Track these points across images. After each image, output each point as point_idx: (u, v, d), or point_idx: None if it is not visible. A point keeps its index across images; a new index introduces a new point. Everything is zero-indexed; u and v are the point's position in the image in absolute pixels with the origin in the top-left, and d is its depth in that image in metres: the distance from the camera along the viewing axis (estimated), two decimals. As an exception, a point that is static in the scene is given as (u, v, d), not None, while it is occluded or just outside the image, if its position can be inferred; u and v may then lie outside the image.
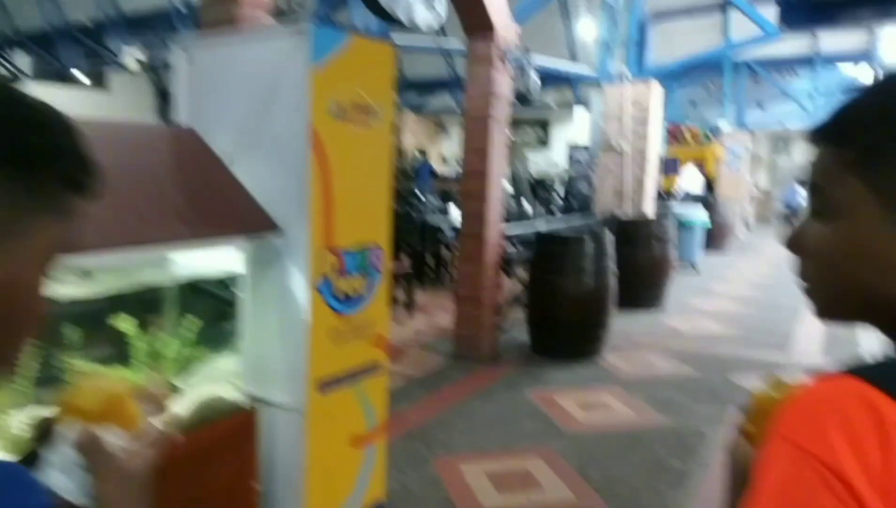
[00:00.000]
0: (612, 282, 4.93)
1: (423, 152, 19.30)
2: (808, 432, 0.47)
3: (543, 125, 18.13)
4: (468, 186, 4.68)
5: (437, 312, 6.09)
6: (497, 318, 4.88)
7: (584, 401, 3.99)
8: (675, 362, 4.82)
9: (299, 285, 2.06)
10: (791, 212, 16.92)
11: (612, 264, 4.95)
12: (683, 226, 8.91)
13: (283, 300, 2.09)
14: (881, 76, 0.59)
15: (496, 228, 4.73)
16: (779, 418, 0.50)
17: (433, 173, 16.80)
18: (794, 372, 4.55)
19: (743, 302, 7.12)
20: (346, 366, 2.20)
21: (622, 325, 5.84)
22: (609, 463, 3.17)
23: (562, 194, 11.62)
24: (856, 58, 11.38)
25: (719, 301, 7.15)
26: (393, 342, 5.30)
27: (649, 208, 7.32)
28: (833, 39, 10.82)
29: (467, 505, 2.77)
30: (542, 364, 4.69)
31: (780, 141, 21.04)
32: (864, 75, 14.10)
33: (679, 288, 7.60)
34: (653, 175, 7.31)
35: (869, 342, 5.29)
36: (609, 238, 4.94)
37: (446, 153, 19.51)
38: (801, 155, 21.03)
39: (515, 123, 18.85)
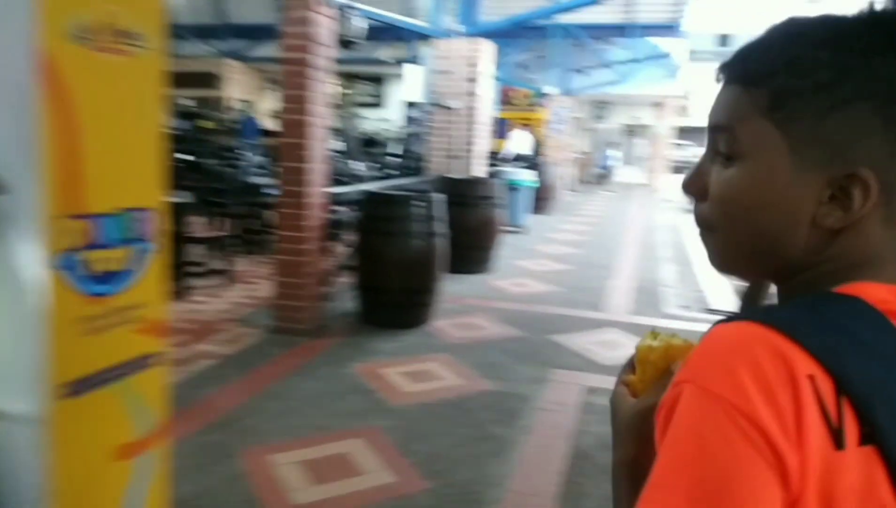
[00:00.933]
0: (442, 245, 4.79)
1: (247, 106, 18.00)
2: (718, 376, 0.46)
3: (377, 81, 17.67)
4: (287, 140, 4.22)
5: (260, 281, 5.59)
6: (322, 287, 4.53)
7: (411, 372, 3.82)
8: (502, 324, 4.82)
9: (32, 264, 1.57)
10: (604, 173, 18.33)
11: (442, 227, 4.80)
12: (512, 187, 9.10)
13: (11, 284, 1.59)
14: (784, 20, 0.55)
15: (320, 188, 4.34)
16: (687, 364, 0.49)
17: (259, 129, 15.72)
18: (612, 329, 4.76)
19: (565, 261, 7.42)
20: (106, 362, 1.76)
21: (452, 289, 5.78)
22: (433, 438, 3.01)
23: (398, 153, 11.38)
24: (663, 28, 12.25)
25: (544, 261, 7.38)
26: (206, 317, 4.77)
27: (480, 169, 7.30)
28: (647, 10, 11.52)
29: (273, 503, 2.46)
30: (369, 335, 4.45)
31: (599, 107, 22.52)
32: (671, 45, 15.33)
33: (508, 249, 7.76)
34: (484, 136, 7.28)
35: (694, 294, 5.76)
36: (439, 200, 4.76)
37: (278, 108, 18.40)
38: (616, 121, 22.72)
39: (348, 78, 18.25)
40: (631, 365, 0.69)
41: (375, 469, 2.73)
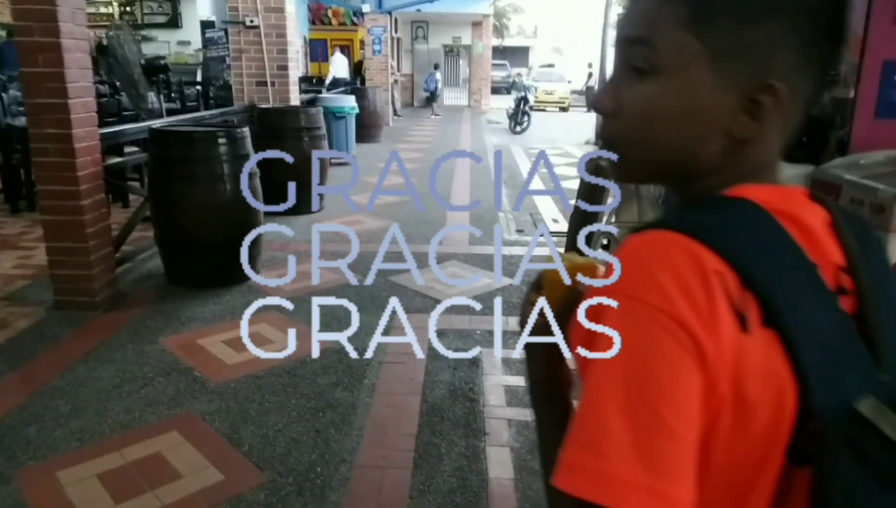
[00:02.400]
0: (257, 186, 4.20)
1: (10, 32, 15.04)
2: (640, 282, 0.49)
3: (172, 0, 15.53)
4: (30, 67, 3.31)
5: (38, 246, 4.60)
6: (111, 248, 3.77)
7: (234, 339, 3.31)
8: (335, 271, 4.40)
9: None
10: (431, 95, 18.05)
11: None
12: (334, 116, 8.48)
13: None
14: None
15: (88, 128, 3.51)
16: (608, 275, 0.51)
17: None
18: (453, 262, 4.56)
19: (398, 192, 7.10)
20: None
21: (276, 235, 5.23)
22: (265, 417, 2.60)
23: (197, 81, 10.11)
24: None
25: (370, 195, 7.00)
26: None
27: (295, 97, 6.61)
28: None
29: (62, 543, 1.94)
30: (180, 299, 3.82)
31: (419, 27, 21.95)
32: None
33: (336, 184, 7.26)
34: (295, 58, 6.55)
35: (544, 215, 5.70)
36: (245, 134, 4.12)
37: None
38: (437, 42, 22.37)
39: (134, -4, 15.82)
40: (537, 287, 0.73)
41: (197, 467, 2.28)
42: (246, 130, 4.13)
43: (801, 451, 0.49)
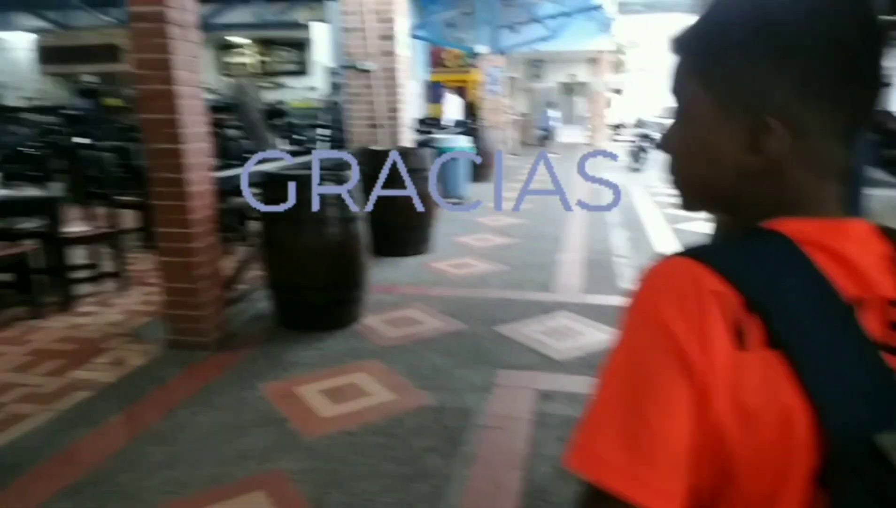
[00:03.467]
0: (363, 229, 4.14)
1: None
2: (645, 299, 0.57)
3: (299, 47, 16.55)
4: (149, 114, 3.45)
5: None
6: (223, 289, 3.83)
7: (333, 388, 3.20)
8: (440, 316, 4.24)
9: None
10: (546, 134, 17.86)
11: (360, 209, 4.14)
12: (447, 155, 8.47)
13: None
14: None
15: (203, 171, 3.60)
16: (631, 292, 0.59)
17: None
18: (564, 313, 4.24)
19: (509, 234, 6.89)
20: None
21: (384, 276, 5.17)
22: (355, 482, 2.42)
23: (325, 124, 10.54)
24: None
25: (487, 236, 6.83)
26: (89, 332, 4.00)
27: (406, 138, 6.63)
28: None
29: None
30: (285, 342, 3.80)
31: (534, 65, 21.96)
32: None
33: (447, 225, 7.17)
34: (408, 100, 6.60)
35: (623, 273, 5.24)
36: (354, 176, 4.09)
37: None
38: (553, 79, 22.23)
39: (266, 44, 17.05)
40: None
41: (279, 536, 2.13)
42: (352, 172, 4.10)
43: (825, 475, 0.52)
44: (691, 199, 0.67)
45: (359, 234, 4.10)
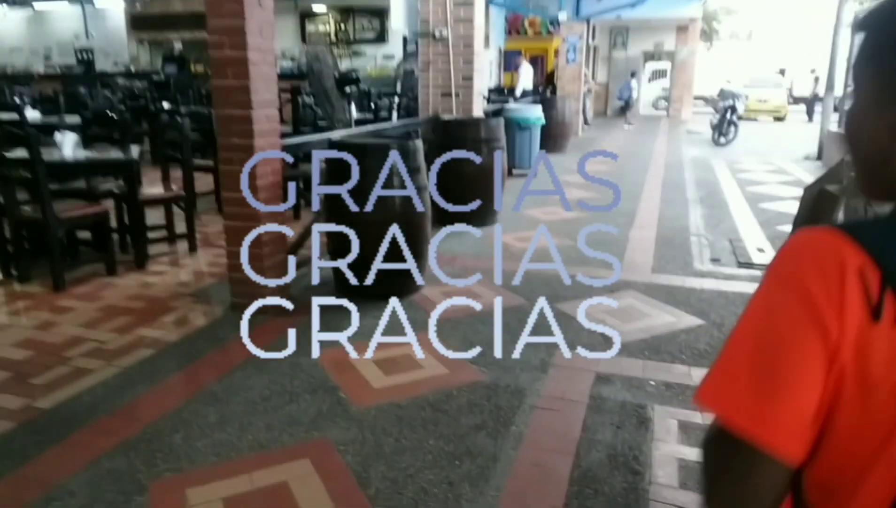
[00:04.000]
0: (426, 200, 4.06)
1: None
2: (790, 265, 0.61)
3: (380, 15, 16.49)
4: (220, 80, 3.47)
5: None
6: (284, 255, 3.86)
7: (387, 358, 3.17)
8: (502, 291, 4.13)
9: None
10: (626, 105, 17.14)
11: (425, 178, 4.06)
12: (519, 126, 8.25)
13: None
14: None
15: (270, 138, 3.61)
16: (774, 258, 0.63)
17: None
18: (631, 292, 4.04)
19: (579, 208, 6.65)
20: None
21: (449, 247, 5.10)
22: (400, 455, 2.38)
23: (397, 93, 10.48)
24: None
25: (555, 209, 6.62)
26: (158, 292, 4.14)
27: (479, 108, 6.47)
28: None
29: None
30: (345, 310, 3.78)
31: (618, 34, 21.06)
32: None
33: (514, 196, 7.00)
34: (481, 68, 6.42)
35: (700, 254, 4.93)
36: (418, 146, 4.00)
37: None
38: (637, 48, 21.27)
39: (345, 12, 17.09)
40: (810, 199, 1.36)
41: (319, 506, 2.12)
42: (418, 142, 4.02)
43: None
44: (863, 183, 0.67)
45: (425, 204, 4.02)
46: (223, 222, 3.72)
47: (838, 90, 10.71)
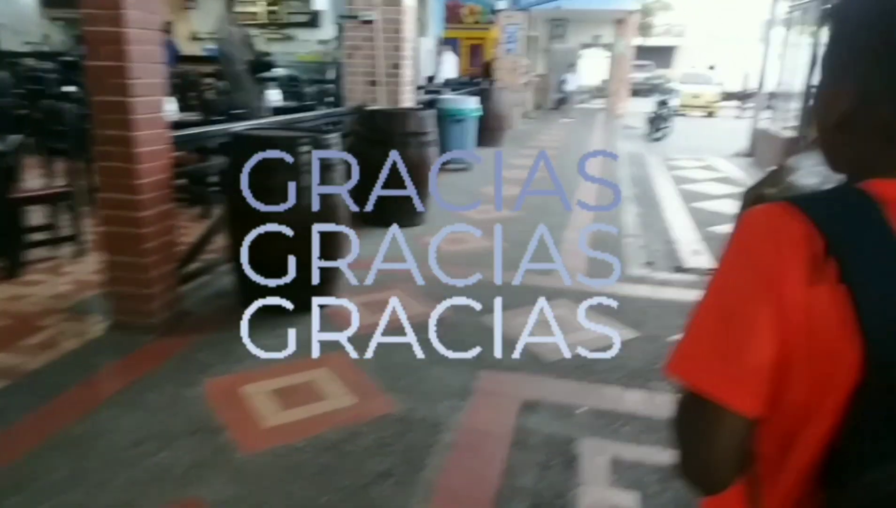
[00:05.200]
0: (344, 200, 3.67)
1: (166, 29, 16.06)
2: (746, 235, 0.67)
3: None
4: (95, 60, 2.97)
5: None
6: (175, 264, 3.39)
7: (286, 387, 2.78)
8: (424, 300, 3.79)
9: None
10: (563, 97, 17.10)
11: (342, 175, 3.66)
12: (454, 119, 7.91)
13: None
14: None
15: (155, 130, 3.13)
16: (732, 231, 0.69)
17: (178, 55, 14.01)
18: (562, 301, 3.76)
19: (513, 206, 6.37)
20: None
21: (370, 250, 4.71)
22: (288, 516, 2.01)
23: (329, 80, 9.98)
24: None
25: (488, 207, 6.32)
26: (30, 306, 3.56)
27: (409, 98, 6.09)
28: None
29: None
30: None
31: (557, 25, 20.99)
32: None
33: (446, 193, 6.66)
34: (411, 55, 6.03)
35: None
36: (334, 140, 3.59)
37: (201, 30, 16.47)
38: (575, 40, 21.27)
39: (274, -6, 16.26)
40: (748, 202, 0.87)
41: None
42: (334, 136, 3.61)
43: (861, 392, 0.61)
44: (825, 154, 0.75)
45: (340, 204, 3.63)
46: (102, 226, 3.22)
47: (769, 87, 10.85)
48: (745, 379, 0.63)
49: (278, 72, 13.80)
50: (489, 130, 10.17)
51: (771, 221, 0.65)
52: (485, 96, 9.94)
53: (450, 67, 11.85)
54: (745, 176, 8.82)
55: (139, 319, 3.23)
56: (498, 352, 3.14)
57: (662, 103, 12.96)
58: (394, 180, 5.28)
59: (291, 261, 3.43)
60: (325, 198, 3.50)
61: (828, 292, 0.61)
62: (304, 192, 3.40)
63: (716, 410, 0.64)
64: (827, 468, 0.64)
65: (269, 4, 16.32)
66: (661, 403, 2.70)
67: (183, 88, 9.75)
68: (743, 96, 19.63)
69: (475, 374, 2.93)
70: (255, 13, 16.54)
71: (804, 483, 0.66)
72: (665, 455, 2.28)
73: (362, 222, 5.42)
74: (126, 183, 3.04)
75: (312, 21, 16.15)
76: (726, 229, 0.76)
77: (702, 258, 4.83)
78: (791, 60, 9.63)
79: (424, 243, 4.97)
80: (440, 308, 3.65)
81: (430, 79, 11.12)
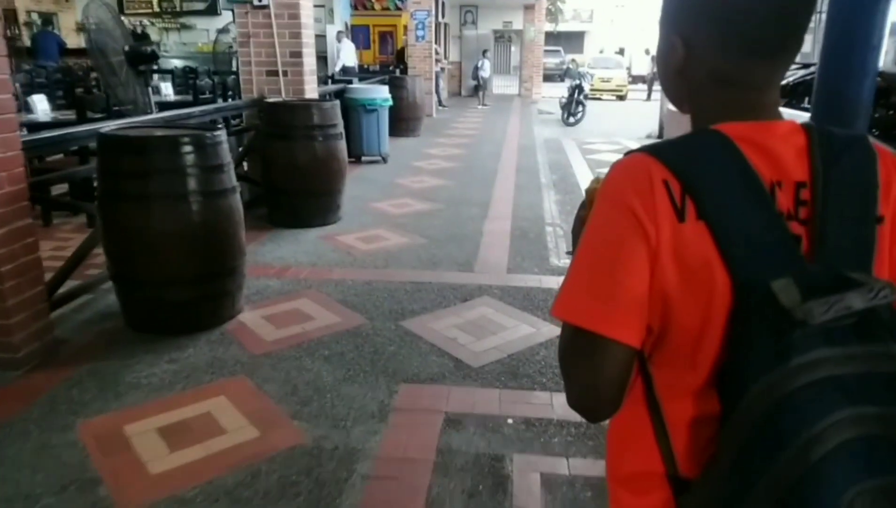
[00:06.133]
0: (237, 205, 3.31)
1: (47, 21, 14.81)
2: (610, 185, 0.73)
3: (208, -15, 14.87)
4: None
5: None
6: (41, 287, 2.94)
7: (177, 423, 2.42)
8: (337, 308, 3.49)
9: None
10: (478, 84, 16.98)
11: (231, 177, 3.29)
12: (365, 109, 7.57)
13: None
14: None
15: (7, 131, 2.66)
16: (601, 182, 0.75)
17: (62, 48, 12.92)
18: (485, 299, 3.55)
19: (431, 198, 6.13)
20: None
21: (277, 255, 4.36)
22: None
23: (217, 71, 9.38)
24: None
25: (406, 200, 6.05)
26: None
27: (312, 88, 5.71)
28: None
29: None
30: (131, 352, 2.96)
31: (467, 11, 20.86)
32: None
33: (361, 187, 6.35)
34: (311, 44, 5.65)
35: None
36: (220, 138, 3.22)
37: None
38: (487, 27, 21.21)
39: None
40: (589, 202, 0.93)
41: None
42: (221, 133, 3.23)
43: (736, 314, 0.68)
44: (666, 93, 0.84)
45: (232, 210, 3.26)
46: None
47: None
48: (621, 313, 0.69)
49: (174, 63, 12.97)
50: (404, 119, 9.89)
51: (633, 169, 0.71)
52: (398, 85, 9.64)
53: (347, 54, 11.36)
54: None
55: (0, 353, 2.77)
56: (417, 361, 2.90)
57: (576, 88, 13.05)
58: (301, 177, 4.94)
59: (183, 274, 3.06)
60: (214, 202, 3.14)
61: (690, 229, 0.67)
62: (187, 197, 3.02)
63: (598, 342, 0.69)
64: (720, 387, 0.69)
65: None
66: (591, 406, 2.54)
67: (67, 83, 8.92)
68: (650, 79, 20.17)
69: (393, 389, 2.68)
70: (148, 1, 15.49)
71: (701, 399, 0.71)
72: (600, 467, 2.11)
73: (270, 223, 5.06)
74: (-32, 196, 2.58)
75: (211, 9, 15.28)
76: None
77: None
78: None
79: (337, 244, 4.65)
80: (354, 316, 3.37)
81: (344, 69, 10.68)
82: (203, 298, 3.19)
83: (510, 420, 2.46)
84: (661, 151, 0.71)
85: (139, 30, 13.43)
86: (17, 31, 13.96)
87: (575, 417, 2.46)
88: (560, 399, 2.60)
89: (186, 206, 3.04)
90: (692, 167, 0.69)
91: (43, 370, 2.80)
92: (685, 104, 0.80)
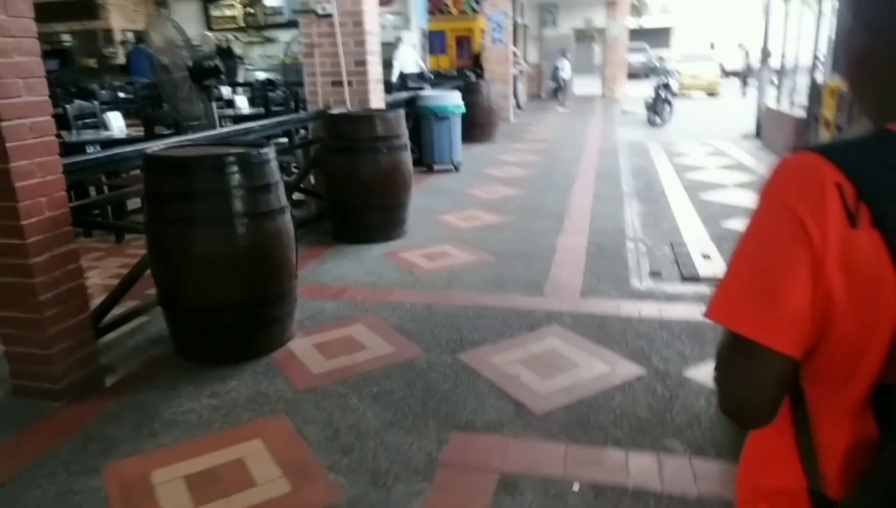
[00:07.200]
0: (287, 226, 3.11)
1: (141, 39, 15.52)
2: (776, 186, 0.69)
3: (289, -1, 15.21)
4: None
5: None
6: (86, 314, 2.84)
7: (206, 471, 2.22)
8: (392, 336, 3.23)
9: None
10: (559, 86, 16.45)
11: (281, 197, 3.10)
12: (436, 116, 7.33)
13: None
14: None
15: (39, 159, 2.56)
16: (764, 181, 0.71)
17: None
18: (554, 329, 3.18)
19: (503, 210, 5.78)
20: None
21: (336, 274, 4.17)
22: None
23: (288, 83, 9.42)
24: None
25: (476, 212, 5.74)
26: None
27: (378, 98, 5.51)
28: None
29: None
30: (175, 383, 2.82)
31: (547, 11, 20.33)
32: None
33: (429, 200, 6.10)
34: (377, 50, 5.45)
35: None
36: (268, 156, 3.02)
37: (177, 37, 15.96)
38: (567, 26, 20.60)
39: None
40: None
41: None
42: (268, 151, 3.04)
43: None
44: (856, 102, 0.82)
45: (280, 232, 3.07)
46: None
47: (775, 63, 10.21)
48: (783, 322, 0.66)
49: (256, 76, 13.28)
50: (478, 125, 9.60)
51: (802, 169, 0.67)
52: (471, 90, 9.36)
53: (405, 60, 11.10)
54: (755, 162, 8.19)
55: (41, 383, 2.68)
56: (473, 404, 2.58)
57: (663, 86, 12.32)
58: (365, 191, 4.73)
59: (229, 301, 2.89)
60: (261, 224, 2.95)
61: (863, 237, 0.63)
62: (232, 219, 2.84)
63: (757, 350, 0.67)
64: (878, 403, 0.66)
65: (245, 6, 15.78)
66: (675, 471, 2.14)
67: (154, 99, 9.23)
68: (745, 74, 18.91)
69: (443, 438, 2.37)
70: (233, 17, 16.01)
71: (857, 418, 0.68)
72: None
73: (334, 239, 4.89)
74: (5, 225, 2.49)
75: (292, 21, 15.58)
76: (741, 224, 0.72)
77: (714, 265, 4.24)
78: (794, 33, 9.00)
79: (400, 261, 4.40)
80: (409, 347, 3.10)
81: (420, 75, 10.49)
82: (250, 325, 3.01)
83: (576, 487, 2.09)
84: (834, 151, 0.67)
85: (224, 44, 13.87)
86: (112, 50, 14.79)
87: (654, 486, 2.07)
88: (637, 461, 2.21)
89: (231, 229, 2.87)
90: (870, 172, 0.65)
91: (84, 402, 2.69)
92: (866, 100, 0.75)
